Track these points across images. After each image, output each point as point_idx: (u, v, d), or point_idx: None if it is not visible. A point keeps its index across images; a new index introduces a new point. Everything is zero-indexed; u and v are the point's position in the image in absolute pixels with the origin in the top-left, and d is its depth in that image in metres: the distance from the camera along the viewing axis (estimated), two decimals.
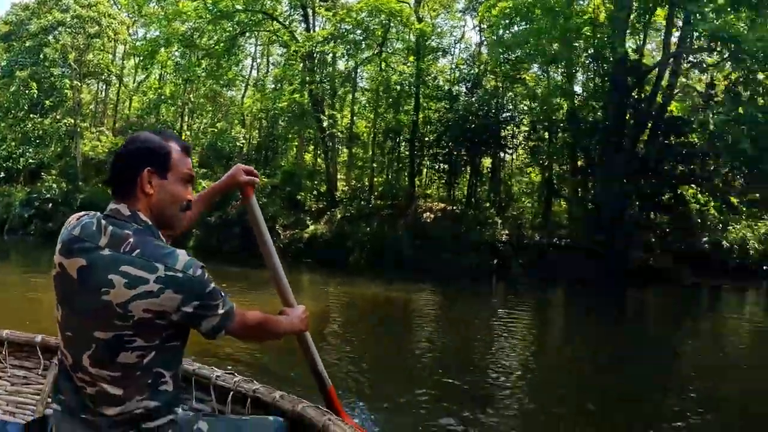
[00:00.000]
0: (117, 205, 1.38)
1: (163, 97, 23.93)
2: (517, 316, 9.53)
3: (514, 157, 21.54)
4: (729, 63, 19.25)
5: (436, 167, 20.22)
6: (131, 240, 1.32)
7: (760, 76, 19.01)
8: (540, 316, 10.69)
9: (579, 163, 18.32)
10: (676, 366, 6.88)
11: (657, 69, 18.94)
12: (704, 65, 20.83)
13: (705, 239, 17.70)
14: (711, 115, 19.65)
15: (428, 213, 18.59)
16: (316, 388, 1.98)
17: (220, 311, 1.39)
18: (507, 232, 17.50)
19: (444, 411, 4.50)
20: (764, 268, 18.22)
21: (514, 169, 21.95)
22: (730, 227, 17.82)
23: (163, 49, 21.90)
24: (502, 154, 20.20)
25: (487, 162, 20.23)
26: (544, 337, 8.46)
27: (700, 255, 18.02)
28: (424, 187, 20.57)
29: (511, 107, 19.65)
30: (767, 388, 5.72)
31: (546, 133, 19.34)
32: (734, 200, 17.78)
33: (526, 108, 19.88)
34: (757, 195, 18.61)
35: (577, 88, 19.58)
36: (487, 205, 18.82)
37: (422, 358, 6.58)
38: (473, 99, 19.94)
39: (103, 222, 1.35)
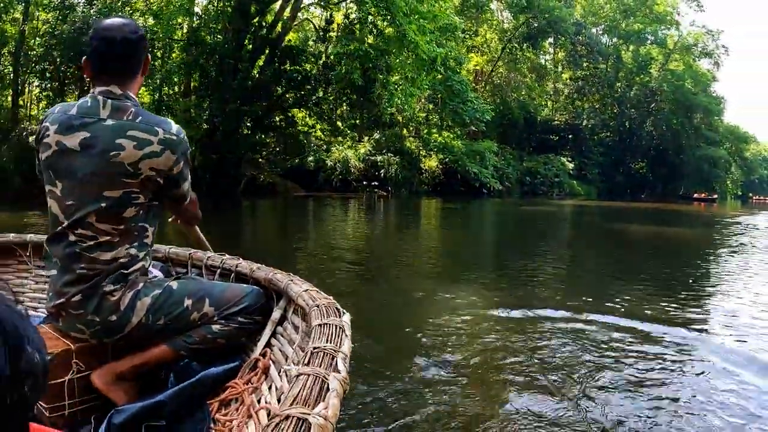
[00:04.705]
0: (106, 87, 1.51)
1: None
2: None
3: None
4: (351, 3, 21.38)
5: (44, 85, 18.51)
6: (132, 110, 1.51)
7: (375, 18, 21.57)
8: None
9: (193, 84, 18.66)
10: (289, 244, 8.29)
11: (280, 1, 20.20)
12: (327, 3, 22.92)
13: (311, 159, 19.99)
14: (326, 48, 21.82)
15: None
16: None
17: (190, 177, 1.66)
18: None
19: None
20: (364, 183, 21.61)
21: None
22: (334, 148, 20.46)
23: None
24: None
25: None
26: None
27: (306, 172, 20.43)
28: (29, 107, 18.63)
29: None
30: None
31: (159, 53, 19.16)
32: (339, 124, 20.24)
33: (143, 25, 19.25)
34: (357, 120, 21.62)
35: (198, 9, 19.72)
36: None
37: None
38: (92, 11, 18.59)
39: (101, 98, 1.50)
